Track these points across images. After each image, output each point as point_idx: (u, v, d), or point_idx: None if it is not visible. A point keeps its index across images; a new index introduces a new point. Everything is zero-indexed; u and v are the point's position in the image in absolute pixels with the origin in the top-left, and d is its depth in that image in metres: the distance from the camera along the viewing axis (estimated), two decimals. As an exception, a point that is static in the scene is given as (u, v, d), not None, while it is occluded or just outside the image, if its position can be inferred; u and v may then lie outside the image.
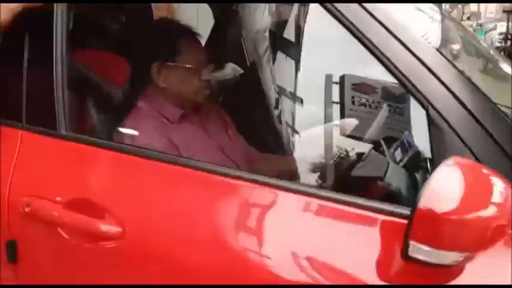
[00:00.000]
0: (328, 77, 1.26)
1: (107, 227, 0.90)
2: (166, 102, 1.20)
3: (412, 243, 0.60)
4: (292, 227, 0.81)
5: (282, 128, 1.65)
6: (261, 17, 1.65)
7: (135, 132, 1.13)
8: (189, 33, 1.26)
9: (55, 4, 1.00)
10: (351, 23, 0.84)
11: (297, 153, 1.38)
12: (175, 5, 2.28)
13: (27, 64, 1.04)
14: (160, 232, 0.89)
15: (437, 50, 0.90)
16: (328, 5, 0.85)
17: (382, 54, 0.83)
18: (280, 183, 0.85)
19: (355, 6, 0.84)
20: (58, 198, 0.94)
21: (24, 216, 0.96)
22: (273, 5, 1.62)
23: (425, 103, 0.81)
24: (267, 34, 1.63)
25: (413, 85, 0.81)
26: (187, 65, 1.19)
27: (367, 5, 0.85)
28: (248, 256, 0.83)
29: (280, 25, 1.65)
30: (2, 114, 1.04)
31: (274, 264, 0.80)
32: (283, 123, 1.58)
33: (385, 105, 1.14)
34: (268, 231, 0.85)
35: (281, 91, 1.59)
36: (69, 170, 0.99)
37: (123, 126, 1.15)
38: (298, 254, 0.78)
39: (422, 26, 1.04)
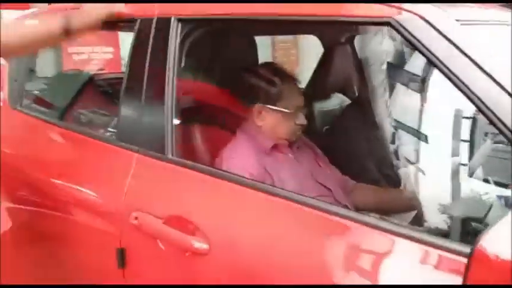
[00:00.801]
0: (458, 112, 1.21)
1: (197, 243, 0.99)
2: (260, 134, 1.32)
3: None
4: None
5: (399, 162, 1.63)
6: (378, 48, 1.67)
7: (232, 159, 1.24)
8: (292, 80, 1.36)
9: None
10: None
11: (421, 191, 1.33)
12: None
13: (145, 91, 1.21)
14: (243, 253, 0.96)
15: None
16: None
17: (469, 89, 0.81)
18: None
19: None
20: (159, 214, 1.07)
21: (132, 228, 1.10)
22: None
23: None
24: (384, 67, 1.63)
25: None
26: (285, 110, 1.29)
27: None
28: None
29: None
30: (119, 137, 1.23)
31: None
32: (401, 158, 1.56)
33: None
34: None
35: (399, 125, 1.57)
36: (170, 190, 1.12)
37: (222, 153, 1.27)
38: None
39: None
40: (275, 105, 1.29)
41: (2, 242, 1.49)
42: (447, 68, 0.83)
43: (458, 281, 0.62)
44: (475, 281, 0.58)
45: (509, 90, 0.78)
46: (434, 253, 0.73)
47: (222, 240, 0.99)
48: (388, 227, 0.82)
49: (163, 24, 1.19)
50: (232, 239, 0.99)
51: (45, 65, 3.81)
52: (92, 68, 3.56)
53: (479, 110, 0.81)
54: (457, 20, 0.90)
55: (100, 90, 1.90)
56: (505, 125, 0.76)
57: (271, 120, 1.31)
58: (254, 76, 1.35)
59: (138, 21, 1.26)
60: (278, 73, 1.36)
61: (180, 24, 1.18)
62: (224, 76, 1.47)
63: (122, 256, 1.12)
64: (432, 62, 0.86)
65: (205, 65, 1.54)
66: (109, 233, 1.17)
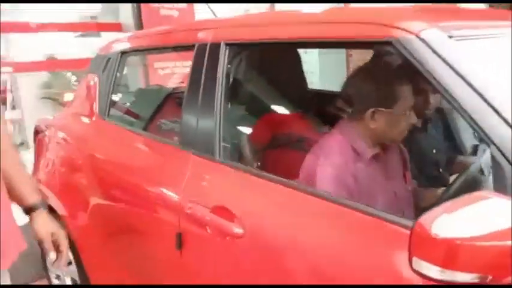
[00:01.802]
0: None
1: (235, 228, 1.21)
2: (364, 142, 1.32)
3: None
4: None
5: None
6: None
7: (328, 167, 1.28)
8: (404, 80, 1.31)
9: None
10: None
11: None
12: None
13: (200, 104, 1.45)
14: (269, 237, 1.16)
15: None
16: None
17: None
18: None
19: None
20: (207, 204, 1.31)
21: (187, 216, 1.35)
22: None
23: (488, 141, 0.88)
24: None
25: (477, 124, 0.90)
26: (401, 113, 1.28)
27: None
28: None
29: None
30: (180, 140, 1.49)
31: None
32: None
33: None
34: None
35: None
36: (216, 185, 1.36)
37: (317, 154, 1.33)
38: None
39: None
40: (391, 107, 1.27)
41: (92, 235, 1.81)
42: (440, 85, 0.96)
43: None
44: (415, 249, 0.73)
45: (496, 107, 0.89)
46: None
47: (253, 226, 1.20)
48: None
49: (215, 48, 1.44)
50: (261, 226, 1.20)
51: (136, 80, 4.32)
52: (174, 81, 3.98)
53: (470, 125, 0.92)
54: (451, 37, 1.02)
55: (178, 102, 2.19)
56: (491, 141, 0.87)
57: (385, 123, 1.29)
58: (367, 78, 1.33)
59: (196, 45, 1.52)
60: (390, 73, 1.33)
61: (228, 48, 1.42)
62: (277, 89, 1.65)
63: (179, 239, 1.38)
64: (428, 80, 0.98)
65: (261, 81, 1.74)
66: (170, 220, 1.42)
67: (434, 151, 1.96)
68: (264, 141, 1.62)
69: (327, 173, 1.26)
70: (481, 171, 1.08)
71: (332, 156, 1.30)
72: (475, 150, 1.94)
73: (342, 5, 5.16)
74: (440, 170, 1.95)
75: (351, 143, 1.32)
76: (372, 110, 1.28)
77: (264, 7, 6.51)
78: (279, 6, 6.29)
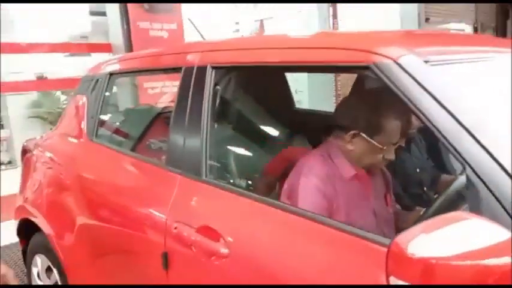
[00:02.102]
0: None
1: (220, 248, 1.23)
2: (344, 160, 1.36)
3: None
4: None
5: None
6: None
7: (310, 180, 1.32)
8: (397, 115, 1.31)
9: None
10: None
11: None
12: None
13: (187, 125, 1.47)
14: (254, 255, 1.18)
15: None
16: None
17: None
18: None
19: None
20: (193, 224, 1.32)
21: (173, 235, 1.36)
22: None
23: (462, 162, 0.91)
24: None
25: (452, 146, 0.93)
26: (379, 146, 1.30)
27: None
28: None
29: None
30: (168, 162, 1.51)
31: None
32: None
33: None
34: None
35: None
36: (202, 204, 1.38)
37: (300, 169, 1.36)
38: None
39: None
40: (372, 138, 1.29)
41: (78, 255, 1.80)
42: (417, 108, 1.00)
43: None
44: (392, 268, 0.75)
45: (470, 129, 0.93)
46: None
47: (238, 246, 1.21)
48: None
49: (201, 71, 1.47)
50: (246, 246, 1.21)
51: (126, 99, 4.35)
52: (163, 101, 4.00)
53: (444, 145, 0.95)
54: (426, 62, 1.06)
55: (166, 122, 2.22)
56: (466, 163, 0.90)
57: (362, 149, 1.33)
58: (362, 103, 1.36)
59: (183, 68, 1.55)
60: (386, 105, 1.30)
61: (214, 71, 1.45)
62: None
63: (165, 258, 1.38)
64: (405, 102, 1.02)
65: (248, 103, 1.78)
66: (157, 240, 1.43)
67: (418, 170, 2.00)
68: (278, 172, 1.62)
69: (310, 183, 1.31)
70: (461, 191, 1.11)
71: (315, 168, 1.34)
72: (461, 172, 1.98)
73: (327, 5, 5.26)
74: (425, 189, 1.99)
75: (333, 159, 1.37)
76: (353, 132, 1.32)
77: (253, 19, 6.62)
78: (267, 23, 6.40)
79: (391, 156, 1.34)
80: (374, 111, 1.31)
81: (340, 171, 1.36)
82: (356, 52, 1.13)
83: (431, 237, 0.77)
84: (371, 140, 1.30)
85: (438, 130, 0.96)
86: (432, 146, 2.10)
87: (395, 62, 1.05)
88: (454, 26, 6.54)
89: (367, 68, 1.09)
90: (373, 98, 1.35)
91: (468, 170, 0.90)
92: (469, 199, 0.89)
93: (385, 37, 1.37)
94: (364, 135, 1.31)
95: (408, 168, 1.97)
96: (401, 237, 0.77)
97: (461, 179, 1.08)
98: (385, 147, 1.31)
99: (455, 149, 0.93)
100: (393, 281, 0.76)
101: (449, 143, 0.94)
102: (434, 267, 0.72)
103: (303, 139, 1.82)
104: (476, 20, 6.84)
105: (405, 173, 1.93)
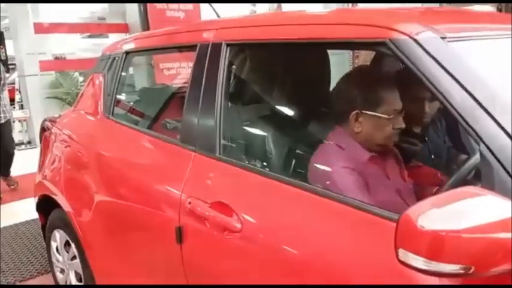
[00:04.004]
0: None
1: (234, 223, 1.25)
2: (357, 144, 1.35)
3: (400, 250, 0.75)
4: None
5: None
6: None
7: (326, 167, 1.34)
8: (390, 84, 1.34)
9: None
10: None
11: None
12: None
13: (201, 102, 1.49)
14: (266, 231, 1.20)
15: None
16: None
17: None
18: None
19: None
20: (207, 199, 1.34)
21: (187, 210, 1.39)
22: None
23: (476, 139, 0.91)
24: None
25: (467, 123, 0.93)
26: (385, 116, 1.29)
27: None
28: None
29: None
30: (182, 139, 1.53)
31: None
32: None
33: None
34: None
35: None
36: (216, 180, 1.40)
37: (314, 162, 1.38)
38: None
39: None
40: (375, 111, 1.29)
41: (95, 231, 1.85)
42: (432, 84, 0.99)
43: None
44: (401, 241, 0.76)
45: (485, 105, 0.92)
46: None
47: (251, 220, 1.23)
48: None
49: (216, 48, 1.48)
50: (258, 220, 1.23)
51: (142, 80, 4.38)
52: (179, 81, 4.03)
53: (460, 124, 0.95)
54: (443, 38, 1.05)
55: (181, 101, 2.23)
56: (481, 139, 0.89)
57: (370, 126, 1.31)
58: (353, 81, 1.36)
59: (198, 45, 1.56)
60: (376, 77, 1.35)
61: (228, 48, 1.45)
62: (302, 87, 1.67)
63: (179, 233, 1.41)
64: (421, 79, 1.01)
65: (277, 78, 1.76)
66: (171, 215, 1.46)
67: (432, 157, 1.97)
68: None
69: (340, 169, 1.28)
70: (474, 168, 1.11)
71: (329, 163, 1.33)
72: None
73: (349, 4, 5.21)
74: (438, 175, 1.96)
75: (344, 148, 1.36)
76: (355, 112, 1.32)
77: (270, 8, 6.57)
78: (285, 7, 6.34)
79: (401, 124, 1.33)
80: (367, 86, 1.31)
81: (355, 156, 1.34)
82: (372, 28, 1.11)
83: (442, 211, 0.77)
84: (375, 113, 1.29)
85: (453, 107, 0.95)
86: (452, 129, 2.07)
87: (411, 38, 1.04)
88: (477, 8, 6.38)
89: (383, 43, 1.07)
90: (361, 75, 1.37)
91: (482, 146, 0.89)
92: (482, 175, 0.89)
93: (403, 13, 1.35)
94: (366, 111, 1.30)
95: (421, 155, 1.95)
96: (411, 210, 0.77)
97: (475, 158, 1.07)
98: (391, 116, 1.30)
99: (470, 126, 0.92)
100: (402, 252, 0.76)
101: (464, 120, 0.93)
102: (444, 240, 0.73)
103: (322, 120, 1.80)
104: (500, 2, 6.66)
105: (421, 155, 1.91)
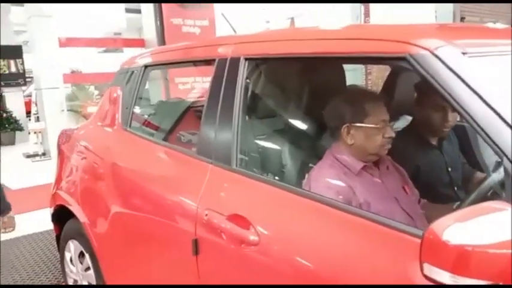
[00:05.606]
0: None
1: (250, 236, 1.24)
2: (350, 156, 1.43)
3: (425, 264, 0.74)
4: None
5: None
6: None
7: (321, 177, 1.40)
8: (375, 97, 1.46)
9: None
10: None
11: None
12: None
13: (218, 122, 1.50)
14: (283, 244, 1.19)
15: None
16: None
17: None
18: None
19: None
20: (223, 212, 1.34)
21: (203, 222, 1.39)
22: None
23: (501, 153, 0.90)
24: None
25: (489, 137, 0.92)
26: (373, 126, 1.39)
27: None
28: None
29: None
30: (199, 151, 1.53)
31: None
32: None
33: None
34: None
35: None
36: (232, 193, 1.40)
37: (311, 174, 1.44)
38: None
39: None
40: (363, 122, 1.39)
41: (111, 242, 1.85)
42: (454, 100, 0.98)
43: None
44: (426, 255, 0.75)
45: (506, 119, 0.91)
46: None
47: (268, 234, 1.23)
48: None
49: (234, 62, 1.49)
50: (276, 233, 1.22)
51: (157, 93, 4.43)
52: (193, 95, 4.07)
53: (483, 139, 0.94)
54: (464, 54, 1.05)
55: (197, 115, 2.26)
56: (504, 154, 0.89)
57: (361, 137, 1.41)
58: (341, 99, 1.47)
59: (217, 60, 1.58)
60: (361, 93, 1.51)
61: (247, 63, 1.47)
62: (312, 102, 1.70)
63: (195, 245, 1.41)
64: (442, 95, 1.01)
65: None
66: (187, 227, 1.46)
67: (449, 169, 1.96)
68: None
69: (320, 185, 1.37)
70: (496, 185, 1.10)
71: (322, 172, 1.42)
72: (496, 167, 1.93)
73: (360, 5, 5.22)
74: (455, 188, 1.94)
75: (339, 158, 1.44)
76: (345, 126, 1.41)
77: (283, 17, 6.61)
78: (298, 22, 6.38)
79: (391, 133, 1.41)
80: (354, 100, 1.43)
81: (349, 167, 1.42)
82: (391, 43, 1.12)
83: (466, 226, 0.76)
84: (363, 124, 1.39)
85: (476, 122, 0.95)
86: (467, 144, 2.05)
87: (432, 53, 1.04)
88: (491, 25, 6.37)
89: (402, 59, 1.08)
90: (347, 93, 1.51)
91: (505, 160, 0.88)
92: (506, 190, 0.88)
93: (421, 29, 1.35)
94: (355, 124, 1.40)
95: (439, 167, 1.94)
96: (436, 225, 0.76)
97: (496, 175, 1.06)
98: (379, 125, 1.39)
99: (493, 141, 0.91)
100: (427, 267, 0.75)
101: (487, 135, 0.92)
102: (470, 255, 0.72)
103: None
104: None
105: (435, 172, 1.90)
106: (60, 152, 2.45)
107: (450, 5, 5.70)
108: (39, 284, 2.78)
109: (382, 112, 1.42)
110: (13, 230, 3.74)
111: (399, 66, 1.19)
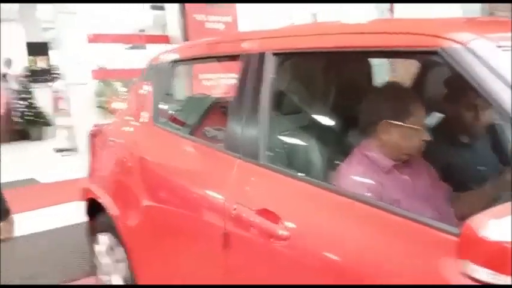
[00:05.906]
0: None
1: (280, 231, 1.25)
2: (380, 154, 1.41)
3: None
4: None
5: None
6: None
7: (350, 174, 1.39)
8: (418, 99, 1.41)
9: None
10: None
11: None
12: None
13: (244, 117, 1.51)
14: (314, 240, 1.20)
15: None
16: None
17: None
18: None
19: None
20: (252, 206, 1.35)
21: (232, 217, 1.41)
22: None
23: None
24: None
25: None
26: (415, 127, 1.36)
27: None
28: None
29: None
30: (226, 146, 1.55)
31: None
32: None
33: None
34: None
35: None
36: (261, 187, 1.41)
37: (340, 169, 1.42)
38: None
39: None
40: (405, 121, 1.36)
41: (141, 235, 1.89)
42: (488, 94, 0.97)
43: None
44: (464, 252, 0.75)
45: None
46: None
47: (298, 228, 1.23)
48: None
49: (261, 57, 1.50)
50: (306, 228, 1.23)
51: (182, 90, 4.48)
52: (217, 92, 4.09)
53: None
54: (499, 47, 1.03)
55: (223, 111, 2.28)
56: None
57: (398, 136, 1.38)
58: (382, 94, 1.46)
59: (244, 55, 1.59)
60: (405, 91, 1.47)
61: (273, 57, 1.48)
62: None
63: (225, 239, 1.43)
64: (476, 89, 0.99)
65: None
66: (217, 221, 1.48)
67: (480, 168, 1.92)
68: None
69: (350, 181, 1.35)
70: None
71: (351, 168, 1.40)
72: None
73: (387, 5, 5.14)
74: (487, 187, 1.90)
75: (368, 155, 1.41)
76: (384, 122, 1.38)
77: (307, 13, 6.56)
78: (321, 19, 6.33)
79: (427, 137, 1.38)
80: (396, 99, 1.40)
81: (378, 164, 1.40)
82: (423, 37, 1.11)
83: (503, 222, 0.75)
84: (404, 124, 1.35)
85: None
86: (499, 142, 2.01)
87: (465, 46, 1.03)
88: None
89: (434, 53, 1.07)
90: (389, 89, 1.47)
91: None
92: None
93: (451, 22, 1.33)
94: (396, 122, 1.36)
95: (470, 166, 1.90)
96: (472, 221, 0.76)
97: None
98: (420, 128, 1.36)
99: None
100: (465, 264, 0.75)
101: None
102: (509, 252, 0.71)
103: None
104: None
105: (466, 171, 1.86)
106: (92, 147, 2.51)
107: (478, 4, 5.54)
108: (71, 275, 2.86)
109: (423, 114, 1.40)
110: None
111: (429, 61, 1.18)
